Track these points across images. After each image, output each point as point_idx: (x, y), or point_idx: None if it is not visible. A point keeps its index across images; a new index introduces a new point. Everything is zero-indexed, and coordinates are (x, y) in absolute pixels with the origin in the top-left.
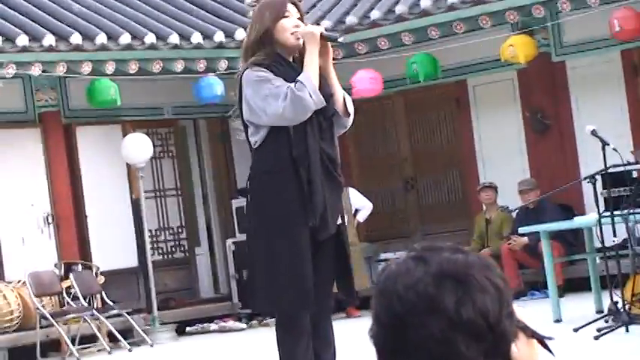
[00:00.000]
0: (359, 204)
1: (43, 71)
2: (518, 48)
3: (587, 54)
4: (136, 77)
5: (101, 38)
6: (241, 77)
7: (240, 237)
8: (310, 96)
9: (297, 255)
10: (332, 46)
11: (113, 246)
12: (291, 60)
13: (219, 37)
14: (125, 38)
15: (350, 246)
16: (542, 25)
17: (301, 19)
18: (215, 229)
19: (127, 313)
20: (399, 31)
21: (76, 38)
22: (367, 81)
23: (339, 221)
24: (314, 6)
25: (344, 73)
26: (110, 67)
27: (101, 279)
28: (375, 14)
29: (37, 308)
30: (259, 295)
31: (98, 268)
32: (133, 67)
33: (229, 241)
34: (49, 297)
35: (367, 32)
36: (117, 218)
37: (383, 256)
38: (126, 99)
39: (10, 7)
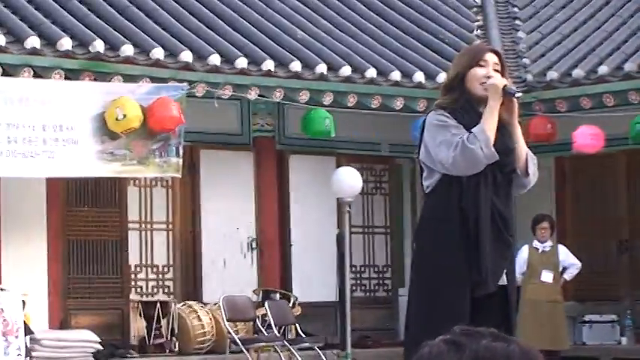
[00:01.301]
0: (567, 262)
1: (260, 96)
2: None
3: None
4: (354, 110)
5: (321, 68)
6: (425, 118)
7: None
8: (481, 149)
9: (454, 311)
10: (558, 99)
11: (315, 278)
12: (481, 110)
13: (441, 77)
14: (345, 70)
15: (553, 303)
16: None
17: (501, 70)
18: None
19: (320, 347)
20: (626, 89)
21: (295, 65)
22: (588, 137)
23: (504, 282)
24: (542, 55)
25: (566, 127)
26: (328, 99)
27: (298, 310)
28: (602, 69)
29: (229, 332)
30: (412, 347)
31: (296, 299)
32: (352, 100)
33: None
34: (243, 323)
35: (593, 87)
36: (321, 250)
37: (588, 317)
38: (342, 132)
39: (233, 29)
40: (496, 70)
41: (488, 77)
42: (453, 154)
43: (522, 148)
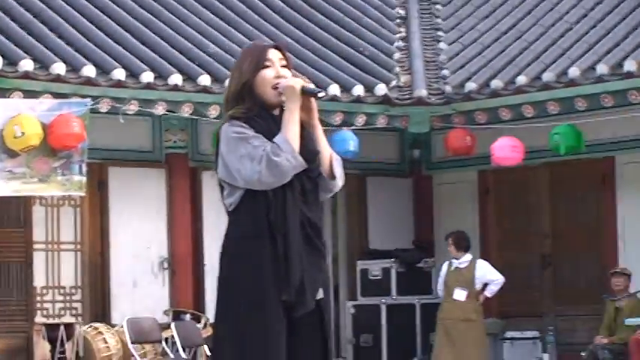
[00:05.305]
0: (488, 277)
1: (168, 111)
2: None
3: None
4: None
5: None
6: (219, 132)
7: (363, 300)
8: (288, 160)
9: (268, 336)
10: (477, 111)
11: None
12: (276, 113)
13: (357, 90)
14: None
15: (468, 321)
16: None
17: (287, 65)
18: (342, 291)
19: None
20: (545, 99)
21: (204, 79)
22: (508, 149)
23: (320, 296)
24: (462, 67)
25: (485, 139)
26: None
27: (209, 331)
28: (521, 80)
29: (133, 355)
30: None
31: (208, 320)
32: None
33: (349, 304)
34: (151, 345)
35: (512, 98)
36: None
37: (510, 334)
38: None
39: (142, 43)
40: (283, 67)
41: (279, 77)
42: (258, 168)
43: (326, 150)
